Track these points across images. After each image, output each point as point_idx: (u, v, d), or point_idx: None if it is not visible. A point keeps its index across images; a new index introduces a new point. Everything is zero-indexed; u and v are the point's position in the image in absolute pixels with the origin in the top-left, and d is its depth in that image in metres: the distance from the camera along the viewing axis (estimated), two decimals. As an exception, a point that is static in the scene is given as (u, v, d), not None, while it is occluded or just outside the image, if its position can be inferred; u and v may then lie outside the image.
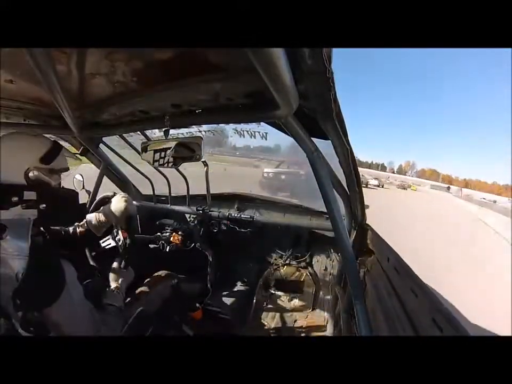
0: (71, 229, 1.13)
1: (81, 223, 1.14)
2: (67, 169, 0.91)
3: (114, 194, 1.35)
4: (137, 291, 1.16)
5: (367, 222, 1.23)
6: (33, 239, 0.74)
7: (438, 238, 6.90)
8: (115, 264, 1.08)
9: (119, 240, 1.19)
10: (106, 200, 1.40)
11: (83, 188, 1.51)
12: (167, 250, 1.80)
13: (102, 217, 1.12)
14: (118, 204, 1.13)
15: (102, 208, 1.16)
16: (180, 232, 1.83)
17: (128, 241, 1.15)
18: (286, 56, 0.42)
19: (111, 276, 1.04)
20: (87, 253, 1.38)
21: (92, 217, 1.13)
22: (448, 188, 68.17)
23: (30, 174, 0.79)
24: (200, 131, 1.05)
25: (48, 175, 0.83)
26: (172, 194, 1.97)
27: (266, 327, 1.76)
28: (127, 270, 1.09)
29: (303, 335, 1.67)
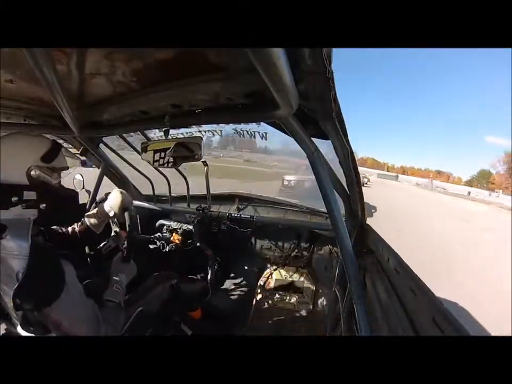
0: (70, 228, 1.13)
1: (80, 222, 1.14)
2: (67, 168, 0.92)
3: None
4: (137, 291, 1.17)
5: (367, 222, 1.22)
6: (33, 238, 0.74)
7: (438, 236, 6.91)
8: (116, 259, 1.08)
9: (119, 238, 1.19)
10: (104, 198, 1.42)
11: (83, 187, 1.51)
12: (167, 250, 1.81)
13: (99, 214, 1.14)
14: (113, 198, 1.16)
15: (99, 205, 1.18)
16: (180, 232, 1.83)
17: (128, 238, 1.16)
18: (286, 56, 0.42)
19: (113, 270, 1.04)
20: (87, 253, 1.38)
21: (90, 215, 1.15)
22: (397, 177, 65.27)
23: (32, 173, 0.79)
24: (200, 131, 1.05)
25: (49, 174, 0.83)
26: (172, 194, 1.97)
27: (266, 327, 1.75)
28: (129, 264, 1.09)
29: (303, 335, 1.67)
